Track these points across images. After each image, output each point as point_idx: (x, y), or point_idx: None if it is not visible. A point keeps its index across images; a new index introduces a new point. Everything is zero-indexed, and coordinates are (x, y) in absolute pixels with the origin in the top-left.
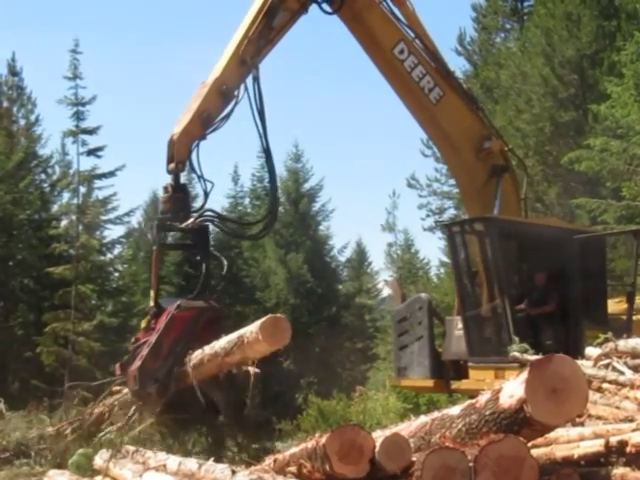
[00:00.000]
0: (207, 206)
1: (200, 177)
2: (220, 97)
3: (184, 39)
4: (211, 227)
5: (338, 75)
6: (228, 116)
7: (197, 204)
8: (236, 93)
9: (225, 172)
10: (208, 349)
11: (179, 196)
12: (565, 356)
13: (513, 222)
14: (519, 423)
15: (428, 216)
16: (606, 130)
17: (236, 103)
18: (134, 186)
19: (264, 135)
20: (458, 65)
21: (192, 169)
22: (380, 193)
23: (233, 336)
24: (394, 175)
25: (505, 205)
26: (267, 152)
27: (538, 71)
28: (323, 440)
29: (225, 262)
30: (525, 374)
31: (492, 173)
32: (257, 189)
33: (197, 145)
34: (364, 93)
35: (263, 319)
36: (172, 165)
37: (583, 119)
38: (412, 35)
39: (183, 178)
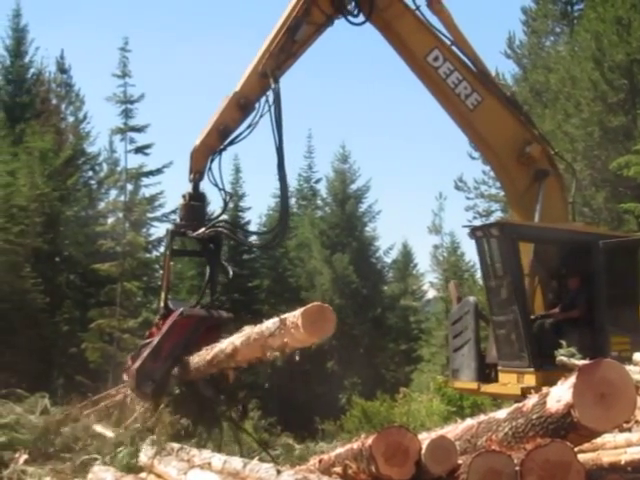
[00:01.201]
0: (223, 217)
1: (219, 188)
2: (239, 110)
3: (234, 37)
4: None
5: (386, 76)
6: (251, 128)
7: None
8: (257, 105)
9: (271, 172)
10: (256, 328)
11: (195, 205)
12: (613, 361)
13: (529, 227)
14: (566, 428)
15: (475, 218)
16: None
17: (258, 115)
18: (181, 184)
19: (279, 147)
20: (507, 68)
21: (210, 180)
22: (427, 195)
23: (277, 318)
24: (441, 177)
25: (549, 209)
26: (280, 165)
27: (587, 75)
28: (369, 441)
29: (230, 271)
30: (573, 379)
31: (535, 178)
32: (303, 189)
33: (216, 157)
34: (412, 94)
35: (308, 305)
36: (191, 175)
37: (632, 124)
38: (449, 41)
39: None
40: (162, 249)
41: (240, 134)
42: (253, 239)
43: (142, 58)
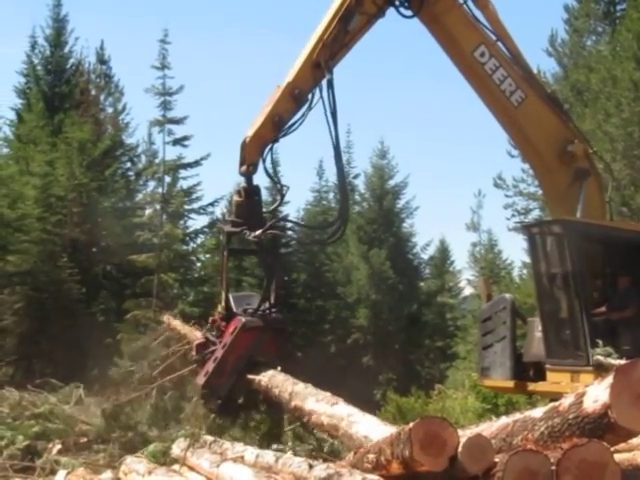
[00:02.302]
0: (285, 211)
1: (275, 181)
2: (292, 100)
3: (272, 32)
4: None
5: (426, 72)
6: (302, 120)
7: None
8: (309, 96)
9: (310, 166)
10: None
11: (251, 201)
12: None
13: (591, 225)
14: (603, 428)
15: (513, 216)
16: None
17: (309, 107)
18: (219, 176)
19: (336, 139)
20: (548, 67)
21: (266, 173)
22: (465, 192)
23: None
24: (480, 174)
25: (589, 208)
26: (337, 155)
27: (629, 75)
28: (410, 425)
29: (285, 277)
30: (610, 379)
31: (576, 176)
32: None
33: (270, 148)
34: (452, 91)
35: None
36: (244, 168)
37: None
38: (494, 37)
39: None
40: (199, 241)
41: (292, 125)
42: (304, 236)
43: (181, 50)
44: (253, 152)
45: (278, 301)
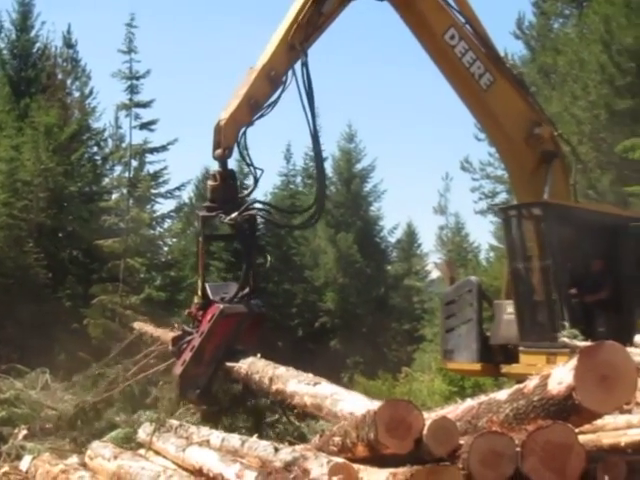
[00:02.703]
0: (255, 195)
1: (249, 164)
2: (268, 83)
3: (239, 15)
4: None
5: (394, 55)
6: (275, 102)
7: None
8: (284, 79)
9: (278, 150)
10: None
11: (227, 185)
12: (615, 343)
13: (571, 208)
14: (567, 410)
15: (480, 199)
16: None
17: (283, 89)
18: (186, 160)
19: (312, 121)
20: (516, 49)
21: (241, 156)
22: (433, 176)
23: (345, 408)
24: (447, 158)
25: (555, 191)
26: (315, 138)
27: (596, 58)
28: (375, 408)
29: (268, 257)
30: (575, 361)
31: (542, 159)
32: (309, 167)
33: (244, 132)
34: (419, 74)
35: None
36: (219, 151)
37: (639, 107)
38: (462, 20)
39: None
40: (166, 225)
41: (267, 108)
42: (282, 219)
43: (148, 34)
44: (229, 135)
45: (257, 287)
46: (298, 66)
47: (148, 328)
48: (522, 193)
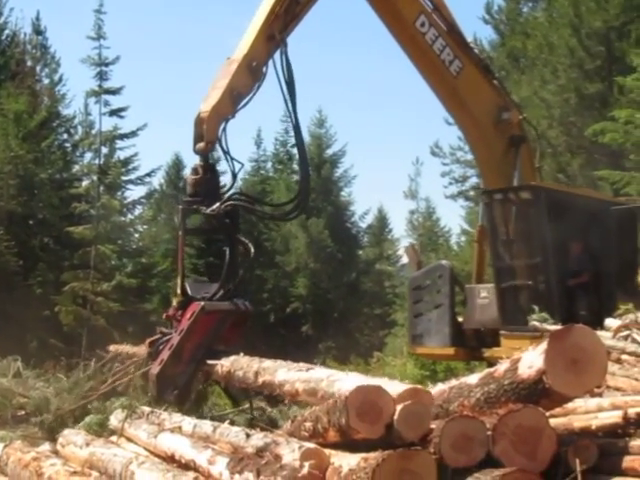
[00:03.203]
0: (235, 189)
1: (229, 158)
2: (249, 74)
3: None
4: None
5: (364, 41)
6: (256, 92)
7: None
8: (264, 70)
9: (248, 135)
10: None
11: (208, 178)
12: (584, 326)
13: (559, 191)
14: (538, 394)
15: (450, 184)
16: (631, 102)
17: (263, 80)
18: (156, 147)
19: (294, 111)
20: (485, 34)
21: (222, 149)
22: (403, 160)
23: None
24: (418, 143)
25: (524, 175)
26: (297, 129)
27: (565, 42)
28: (346, 393)
29: (252, 249)
30: (544, 345)
31: (510, 144)
32: (280, 153)
33: (225, 125)
34: (390, 59)
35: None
36: (201, 145)
37: (608, 91)
38: (431, 7)
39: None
40: (137, 212)
41: (248, 99)
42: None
43: (117, 20)
44: (212, 129)
45: (242, 284)
46: (277, 56)
47: (124, 348)
48: (491, 178)
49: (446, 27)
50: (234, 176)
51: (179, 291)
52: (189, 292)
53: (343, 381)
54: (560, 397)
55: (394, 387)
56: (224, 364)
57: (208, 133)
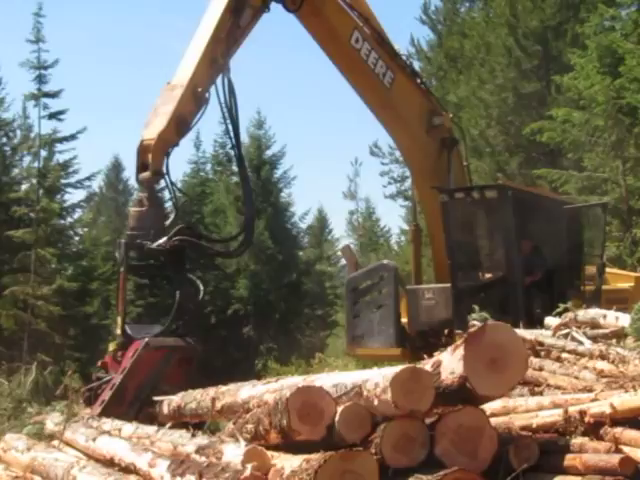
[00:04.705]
0: (180, 223)
1: (173, 189)
2: (194, 100)
3: (147, 3)
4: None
5: (305, 43)
6: (198, 120)
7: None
8: (207, 95)
9: (187, 137)
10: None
11: (154, 211)
12: (498, 323)
13: (523, 191)
14: (465, 397)
15: (390, 183)
16: (569, 101)
17: (206, 106)
18: (95, 150)
19: (237, 143)
20: (422, 34)
21: (165, 181)
22: (342, 161)
23: (347, 380)
24: (357, 143)
25: (457, 175)
26: (240, 161)
27: (502, 42)
28: (287, 395)
29: (201, 287)
30: (462, 350)
31: (442, 147)
32: (219, 155)
33: (169, 153)
34: (326, 61)
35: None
36: (146, 175)
37: (546, 90)
38: (361, 19)
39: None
40: (77, 215)
41: (192, 126)
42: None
43: (56, 23)
44: (159, 158)
45: (190, 323)
46: (219, 81)
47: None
48: (425, 183)
49: (376, 38)
50: (176, 209)
51: (119, 332)
52: (130, 333)
53: (322, 379)
54: (487, 399)
55: (389, 370)
56: (173, 400)
57: (154, 163)
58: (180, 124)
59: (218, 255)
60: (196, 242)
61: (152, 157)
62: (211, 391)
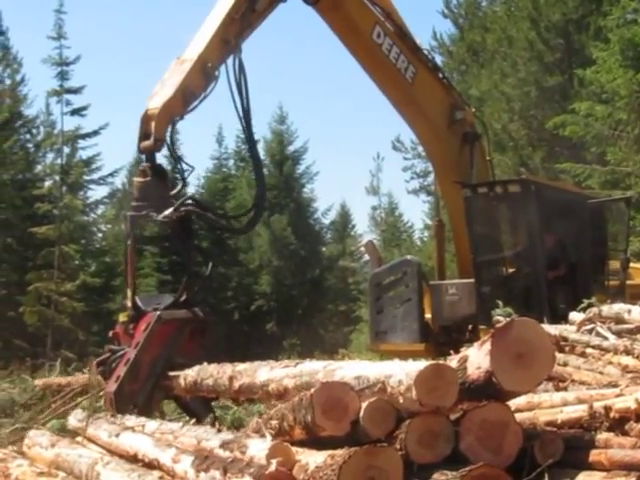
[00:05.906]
0: (187, 193)
1: (178, 160)
2: (203, 75)
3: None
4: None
5: (326, 37)
6: (206, 97)
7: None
8: (217, 73)
9: (209, 133)
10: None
11: (157, 181)
12: (526, 319)
13: (547, 186)
14: (491, 393)
15: (412, 179)
16: (591, 95)
17: (215, 84)
18: (118, 146)
19: (247, 124)
20: (444, 28)
21: (169, 151)
22: (365, 156)
23: (369, 372)
24: (379, 138)
25: (480, 170)
26: (251, 141)
27: (524, 35)
28: (311, 390)
29: (210, 263)
30: (488, 345)
31: (464, 142)
32: (242, 150)
33: (174, 125)
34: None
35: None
36: (148, 143)
37: (568, 84)
38: (382, 14)
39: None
40: (100, 212)
41: (199, 101)
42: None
43: (78, 19)
44: (162, 126)
45: (200, 293)
46: (230, 62)
47: (54, 381)
48: (448, 178)
49: (398, 33)
50: (184, 180)
51: (129, 304)
52: (140, 305)
53: (344, 369)
54: (514, 394)
55: (412, 367)
56: (188, 374)
57: (157, 130)
58: (186, 95)
59: (226, 230)
60: (202, 213)
61: (155, 125)
62: (228, 369)
